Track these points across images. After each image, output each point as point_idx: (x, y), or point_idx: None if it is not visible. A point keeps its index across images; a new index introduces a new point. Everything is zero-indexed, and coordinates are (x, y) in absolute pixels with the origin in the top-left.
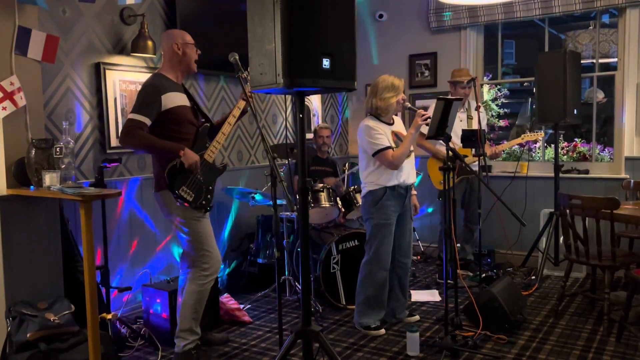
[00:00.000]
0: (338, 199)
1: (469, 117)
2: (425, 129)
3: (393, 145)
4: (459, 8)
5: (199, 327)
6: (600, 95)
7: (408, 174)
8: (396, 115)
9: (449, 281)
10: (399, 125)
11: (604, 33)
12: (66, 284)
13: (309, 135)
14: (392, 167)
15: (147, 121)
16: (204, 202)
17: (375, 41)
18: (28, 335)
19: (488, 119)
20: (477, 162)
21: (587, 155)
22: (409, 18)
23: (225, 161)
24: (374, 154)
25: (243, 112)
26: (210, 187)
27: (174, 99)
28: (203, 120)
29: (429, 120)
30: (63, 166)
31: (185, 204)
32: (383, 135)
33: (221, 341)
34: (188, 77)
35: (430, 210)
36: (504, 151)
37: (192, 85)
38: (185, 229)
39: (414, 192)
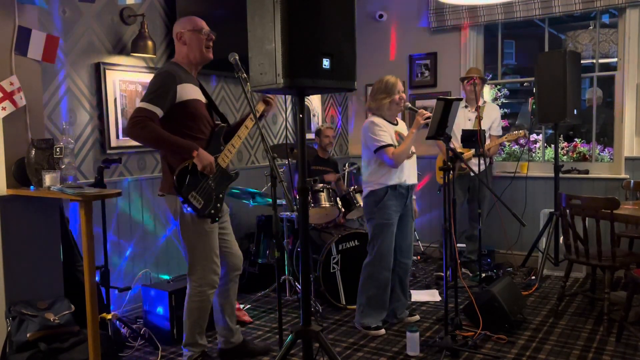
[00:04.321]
0: (338, 199)
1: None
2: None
3: (395, 143)
4: (459, 8)
5: (231, 335)
6: (597, 94)
7: (409, 174)
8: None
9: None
10: (402, 127)
11: (604, 33)
12: (66, 284)
13: (309, 136)
14: (392, 164)
15: (159, 112)
16: (212, 210)
17: (375, 41)
18: (28, 335)
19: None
20: (477, 162)
21: (587, 156)
22: (409, 18)
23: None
24: (376, 151)
25: (262, 116)
26: (221, 195)
27: (190, 91)
28: (218, 120)
29: (429, 120)
30: (63, 166)
31: (193, 211)
32: (386, 132)
33: (263, 351)
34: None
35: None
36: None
37: None
38: (188, 239)
39: (413, 196)
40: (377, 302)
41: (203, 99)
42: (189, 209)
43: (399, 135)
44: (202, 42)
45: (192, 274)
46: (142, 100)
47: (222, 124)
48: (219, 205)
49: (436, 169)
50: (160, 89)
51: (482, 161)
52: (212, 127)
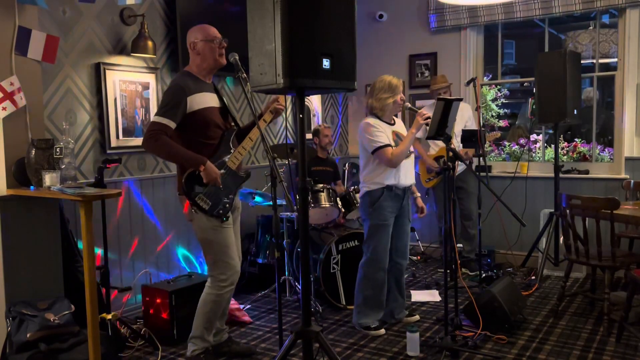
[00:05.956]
0: (338, 199)
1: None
2: (419, 135)
3: (392, 144)
4: (459, 8)
5: (213, 333)
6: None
7: (406, 174)
8: (396, 116)
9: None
10: (399, 126)
11: (604, 33)
12: (66, 284)
13: (309, 136)
14: (390, 164)
15: (172, 124)
16: (221, 211)
17: (375, 41)
18: (28, 335)
19: (487, 120)
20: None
21: (587, 156)
22: (409, 18)
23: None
24: (373, 152)
25: (275, 115)
26: (231, 196)
27: (201, 100)
28: (232, 122)
29: (429, 120)
30: (63, 166)
31: (202, 212)
32: (383, 133)
33: (246, 352)
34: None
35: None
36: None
37: None
38: (203, 236)
39: (417, 194)
40: (373, 302)
41: (216, 104)
42: (197, 210)
43: (396, 135)
44: (215, 50)
45: (213, 270)
46: (155, 114)
47: (233, 127)
48: (227, 205)
49: (420, 172)
50: (171, 103)
51: (481, 160)
52: (224, 130)
